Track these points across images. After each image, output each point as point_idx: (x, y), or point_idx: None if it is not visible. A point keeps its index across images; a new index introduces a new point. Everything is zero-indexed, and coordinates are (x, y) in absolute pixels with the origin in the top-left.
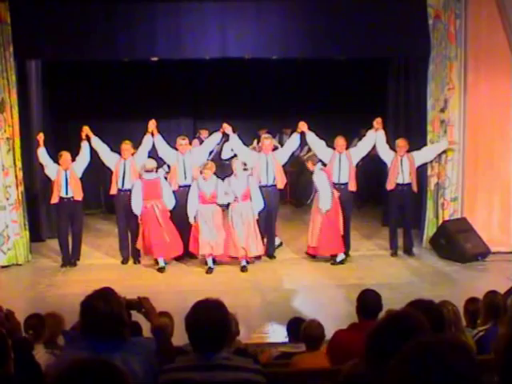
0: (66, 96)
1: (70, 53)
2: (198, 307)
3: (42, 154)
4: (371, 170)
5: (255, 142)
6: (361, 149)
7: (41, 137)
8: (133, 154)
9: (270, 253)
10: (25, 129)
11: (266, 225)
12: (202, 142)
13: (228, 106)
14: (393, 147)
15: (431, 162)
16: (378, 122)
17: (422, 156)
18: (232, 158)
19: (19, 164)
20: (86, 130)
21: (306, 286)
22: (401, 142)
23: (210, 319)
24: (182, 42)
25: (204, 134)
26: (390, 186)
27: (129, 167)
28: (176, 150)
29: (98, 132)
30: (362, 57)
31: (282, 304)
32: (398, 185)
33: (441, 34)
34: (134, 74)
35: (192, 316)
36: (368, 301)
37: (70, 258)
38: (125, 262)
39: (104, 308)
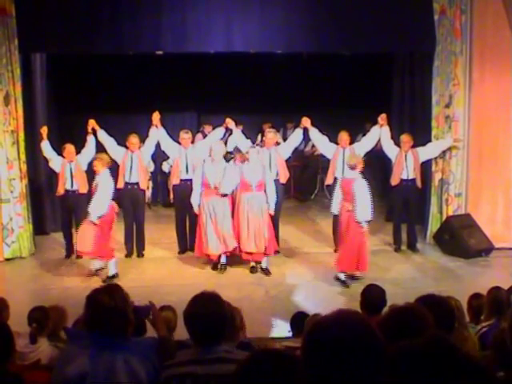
0: (70, 89)
1: (74, 46)
2: (195, 300)
3: (46, 147)
4: (375, 165)
5: (259, 136)
6: (365, 144)
7: (44, 130)
8: (140, 148)
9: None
10: (29, 122)
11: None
12: (205, 136)
13: (232, 100)
14: (397, 143)
15: (435, 157)
16: (382, 118)
17: (426, 152)
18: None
19: (23, 157)
20: (92, 123)
21: (309, 281)
22: (405, 138)
23: (208, 312)
24: (187, 35)
25: (208, 128)
26: (394, 181)
27: (136, 160)
28: (179, 143)
29: (102, 125)
30: (367, 52)
31: (285, 299)
32: (402, 180)
33: (446, 30)
34: (139, 67)
35: (190, 309)
36: (372, 296)
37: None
38: (129, 255)
39: (108, 302)
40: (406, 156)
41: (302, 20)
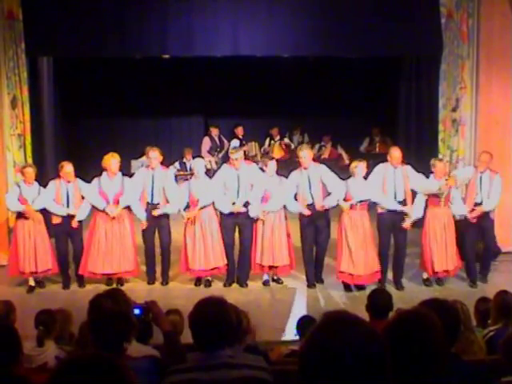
0: (77, 93)
1: (81, 50)
2: (201, 305)
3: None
4: None
5: (267, 140)
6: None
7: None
8: (161, 163)
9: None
10: (36, 125)
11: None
12: (212, 139)
13: (239, 104)
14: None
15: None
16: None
17: None
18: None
19: (30, 160)
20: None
21: (315, 285)
22: (484, 156)
23: (213, 317)
24: (194, 39)
25: (214, 131)
26: (467, 206)
27: (159, 180)
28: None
29: (109, 129)
30: (374, 56)
31: (291, 302)
32: (476, 204)
33: (453, 33)
34: (146, 71)
35: (195, 314)
36: (379, 300)
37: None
38: (151, 282)
39: (112, 307)
40: (480, 178)
41: (308, 24)
